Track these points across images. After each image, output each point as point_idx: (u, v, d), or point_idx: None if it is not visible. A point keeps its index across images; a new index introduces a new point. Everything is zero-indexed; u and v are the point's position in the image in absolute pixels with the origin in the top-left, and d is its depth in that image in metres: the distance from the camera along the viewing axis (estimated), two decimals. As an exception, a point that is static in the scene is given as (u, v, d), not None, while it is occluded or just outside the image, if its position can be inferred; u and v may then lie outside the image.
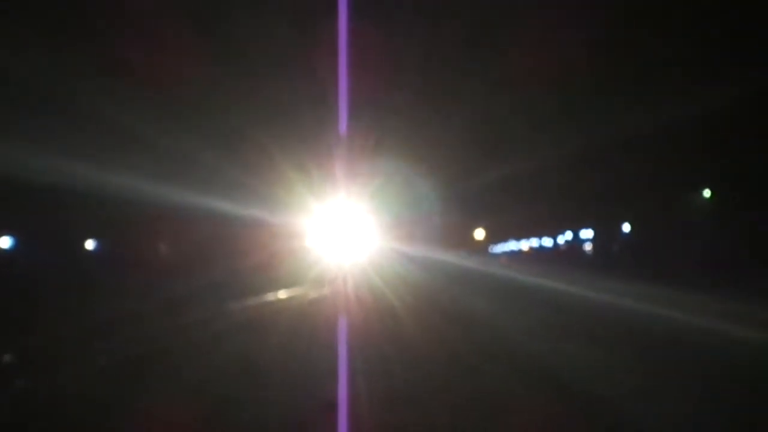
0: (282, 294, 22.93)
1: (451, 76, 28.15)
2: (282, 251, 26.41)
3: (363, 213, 24.48)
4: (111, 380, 10.60)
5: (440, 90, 28.03)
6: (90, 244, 38.10)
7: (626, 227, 49.46)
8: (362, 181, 23.95)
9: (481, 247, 56.50)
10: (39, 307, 18.38)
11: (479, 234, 54.95)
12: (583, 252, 55.21)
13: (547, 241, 63.23)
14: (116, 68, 22.81)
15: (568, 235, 58.96)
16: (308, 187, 23.54)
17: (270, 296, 22.30)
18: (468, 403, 9.18)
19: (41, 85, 21.65)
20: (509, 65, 24.72)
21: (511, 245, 67.33)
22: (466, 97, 27.92)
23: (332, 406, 8.22)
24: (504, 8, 24.61)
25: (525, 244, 67.24)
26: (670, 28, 27.49)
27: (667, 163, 35.63)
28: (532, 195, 44.50)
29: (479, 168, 33.94)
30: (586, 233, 55.87)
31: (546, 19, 24.01)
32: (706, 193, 41.63)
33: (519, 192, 43.36)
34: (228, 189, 24.83)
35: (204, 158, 24.43)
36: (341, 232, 23.62)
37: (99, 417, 8.50)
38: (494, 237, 60.08)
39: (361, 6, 18.49)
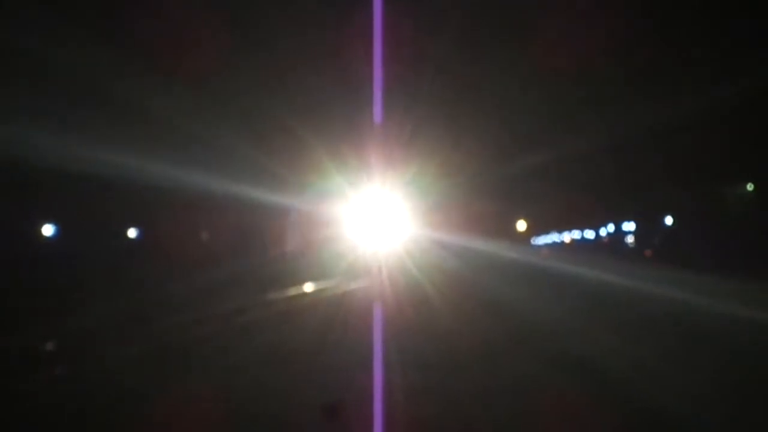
0: (316, 285, 22.50)
1: (489, 63, 27.85)
2: (318, 239, 26.38)
3: (399, 201, 24.39)
4: (147, 367, 10.68)
5: (478, 77, 27.75)
6: (131, 233, 38.38)
7: (668, 220, 48.89)
8: (398, 169, 23.86)
9: (523, 239, 56.17)
10: (79, 294, 18.39)
11: (521, 225, 54.65)
12: (625, 244, 54.63)
13: (589, 234, 62.71)
14: (155, 60, 22.85)
15: (611, 228, 58.44)
16: (344, 176, 23.49)
17: (304, 287, 21.92)
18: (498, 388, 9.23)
19: (83, 77, 21.83)
20: (549, 53, 24.39)
21: (554, 237, 66.93)
22: (504, 85, 27.61)
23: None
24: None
25: (567, 236, 66.79)
26: (709, 12, 27.01)
27: (710, 154, 35.02)
28: (574, 186, 44.09)
29: (518, 157, 33.61)
30: (628, 226, 55.31)
31: (586, 5, 23.73)
32: (749, 186, 40.98)
33: (561, 183, 43.03)
34: (264, 178, 24.83)
35: (240, 147, 24.45)
36: (377, 220, 23.54)
37: (133, 404, 8.56)
38: (536, 229, 59.73)
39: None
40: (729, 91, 27.35)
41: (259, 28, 24.72)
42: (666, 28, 27.61)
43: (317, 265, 24.29)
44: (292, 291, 20.75)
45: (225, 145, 24.47)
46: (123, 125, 23.69)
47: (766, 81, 26.42)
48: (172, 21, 22.31)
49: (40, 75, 21.86)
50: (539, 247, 62.85)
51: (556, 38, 24.22)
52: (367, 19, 18.19)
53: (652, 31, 27.03)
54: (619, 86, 30.37)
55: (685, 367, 10.12)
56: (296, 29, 24.28)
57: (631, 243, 54.46)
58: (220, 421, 7.93)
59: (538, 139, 33.64)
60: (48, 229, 36.01)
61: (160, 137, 24.21)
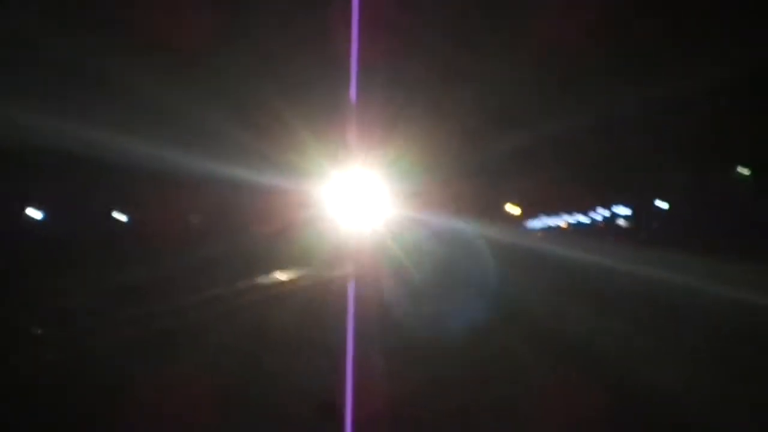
0: (295, 272, 21.65)
1: (475, 42, 27.33)
2: (300, 220, 25.91)
3: (383, 182, 23.95)
4: (135, 351, 10.25)
5: (463, 56, 27.23)
6: (114, 214, 38.13)
7: (665, 204, 48.55)
8: (381, 149, 23.46)
9: (517, 222, 55.82)
10: (67, 278, 17.99)
11: (514, 209, 54.26)
12: (620, 228, 54.28)
13: (585, 218, 62.35)
14: (140, 40, 22.65)
15: (606, 212, 58.12)
16: (325, 155, 23.09)
17: (281, 275, 21.10)
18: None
19: (70, 58, 21.59)
20: (535, 30, 23.92)
21: (549, 221, 66.55)
22: (491, 64, 27.10)
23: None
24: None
25: (562, 221, 66.38)
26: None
27: (707, 136, 34.55)
28: (569, 169, 43.75)
29: (508, 138, 33.08)
30: (624, 210, 54.97)
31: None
32: (745, 171, 40.55)
33: (556, 166, 42.65)
34: (244, 157, 24.42)
35: (223, 128, 24.09)
36: (359, 201, 23.11)
37: (120, 388, 8.18)
38: (531, 212, 59.37)
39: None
40: (723, 72, 26.92)
41: (240, 8, 24.62)
42: (656, 4, 27.14)
43: (298, 247, 23.81)
44: (266, 279, 20.11)
45: (208, 125, 24.17)
46: (104, 105, 23.42)
47: (760, 62, 26.02)
48: (160, 3, 22.22)
49: (26, 55, 21.75)
50: (533, 230, 62.46)
51: (544, 16, 23.76)
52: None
53: (645, 6, 26.53)
54: (615, 65, 29.92)
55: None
56: (277, 9, 24.11)
57: (626, 226, 54.15)
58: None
59: (528, 119, 33.13)
60: (34, 212, 35.83)
61: (144, 117, 24.01)
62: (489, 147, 33.56)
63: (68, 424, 7.20)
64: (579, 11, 23.41)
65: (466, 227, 28.66)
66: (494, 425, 7.18)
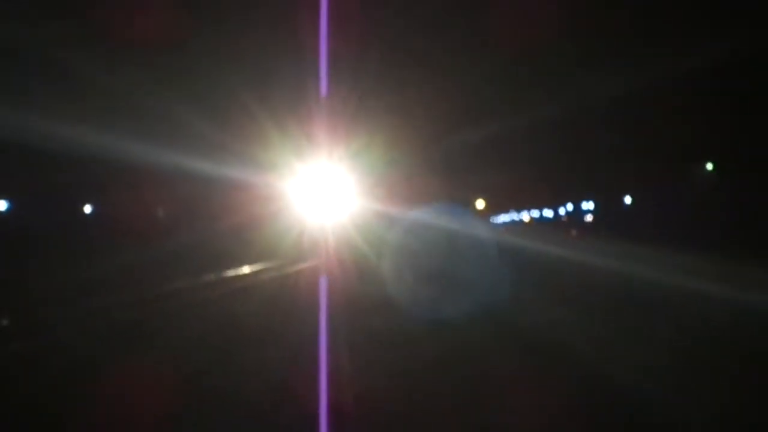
0: (260, 264, 21.61)
1: (438, 38, 27.51)
2: (266, 213, 25.89)
3: (347, 175, 24.02)
4: (100, 342, 10.22)
5: (426, 51, 27.39)
6: (80, 207, 37.85)
7: (627, 199, 48.97)
8: (346, 142, 23.52)
9: (482, 217, 56.05)
10: (32, 269, 18.14)
11: (480, 203, 54.45)
12: (584, 223, 54.74)
13: (549, 213, 62.78)
14: (101, 32, 22.54)
15: (570, 207, 58.51)
16: (291, 149, 23.11)
17: (248, 267, 20.99)
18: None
19: (36, 51, 21.51)
20: (500, 25, 24.07)
21: (513, 216, 66.90)
22: (453, 59, 27.30)
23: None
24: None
25: (526, 215, 66.80)
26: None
27: (671, 132, 34.88)
28: (533, 164, 44.02)
29: (471, 132, 33.22)
30: (587, 205, 55.39)
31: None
32: (709, 165, 41.01)
33: (519, 161, 42.90)
34: (210, 150, 24.35)
35: (190, 121, 23.97)
36: (324, 194, 23.16)
37: (89, 377, 8.13)
38: (496, 207, 59.62)
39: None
40: (690, 66, 27.17)
41: (207, 2, 24.55)
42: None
43: (264, 240, 23.79)
44: (231, 272, 20.07)
45: (174, 118, 24.03)
46: (66, 97, 23.24)
47: (727, 56, 26.25)
48: None
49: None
50: (497, 225, 62.68)
51: (508, 10, 23.90)
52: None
53: (610, 1, 26.78)
54: (580, 59, 30.13)
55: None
56: (244, 2, 24.10)
57: (589, 221, 54.60)
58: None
59: (491, 113, 33.32)
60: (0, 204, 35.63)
61: (111, 110, 23.94)
62: (454, 141, 33.72)
63: (30, 413, 7.19)
64: (543, 6, 23.63)
65: (431, 220, 28.81)
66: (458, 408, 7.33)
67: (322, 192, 23.15)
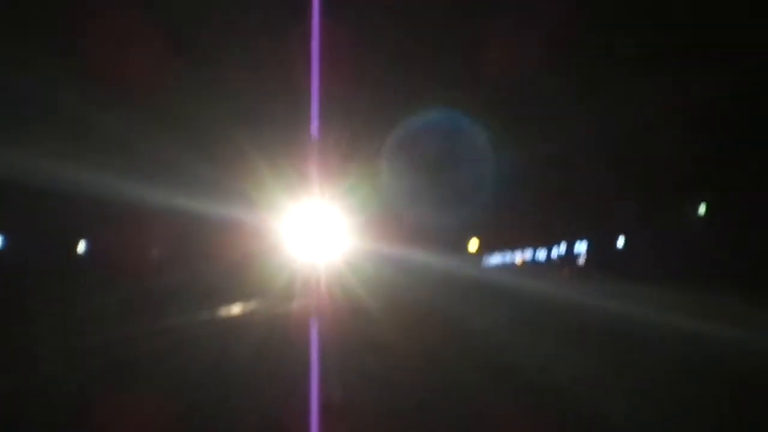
0: (249, 304, 21.40)
1: (429, 76, 27.70)
2: (258, 251, 25.82)
3: (338, 213, 24.05)
4: (91, 380, 10.10)
5: (418, 89, 27.59)
6: (72, 245, 37.73)
7: (620, 241, 48.84)
8: (338, 181, 23.61)
9: (475, 258, 55.95)
10: (24, 307, 18.07)
11: (473, 244, 54.39)
12: (576, 266, 54.49)
13: (542, 254, 62.51)
14: (93, 71, 22.64)
15: (563, 248, 58.28)
16: (283, 187, 23.17)
17: (234, 308, 20.81)
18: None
19: (27, 90, 21.57)
20: (489, 61, 24.24)
21: (506, 257, 66.55)
22: (446, 98, 27.46)
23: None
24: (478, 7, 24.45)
25: (518, 257, 66.46)
26: (668, 18, 26.95)
27: (666, 170, 34.86)
28: (526, 203, 44.02)
29: (463, 170, 33.33)
30: (580, 246, 55.21)
31: (525, 11, 23.67)
32: (702, 207, 40.95)
33: (513, 200, 42.90)
34: (201, 188, 24.35)
35: (176, 157, 24.00)
36: (316, 233, 23.17)
37: (78, 416, 8.09)
38: (489, 247, 59.41)
39: (334, 8, 18.53)
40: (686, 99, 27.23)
41: (200, 41, 24.79)
42: (616, 32, 27.49)
43: (254, 279, 23.66)
44: (222, 312, 19.90)
45: (166, 157, 24.05)
46: (60, 136, 23.25)
47: (722, 89, 26.30)
48: (115, 34, 22.53)
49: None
50: (488, 268, 62.18)
51: (498, 47, 24.06)
52: (306, 31, 18.37)
53: (601, 36, 26.93)
54: (578, 96, 30.21)
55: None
56: (237, 43, 24.38)
57: (581, 264, 54.36)
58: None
59: (482, 152, 33.31)
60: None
61: (102, 149, 23.91)
62: (445, 180, 33.82)
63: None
64: (533, 41, 23.82)
65: (423, 260, 28.83)
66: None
67: (314, 231, 23.17)
